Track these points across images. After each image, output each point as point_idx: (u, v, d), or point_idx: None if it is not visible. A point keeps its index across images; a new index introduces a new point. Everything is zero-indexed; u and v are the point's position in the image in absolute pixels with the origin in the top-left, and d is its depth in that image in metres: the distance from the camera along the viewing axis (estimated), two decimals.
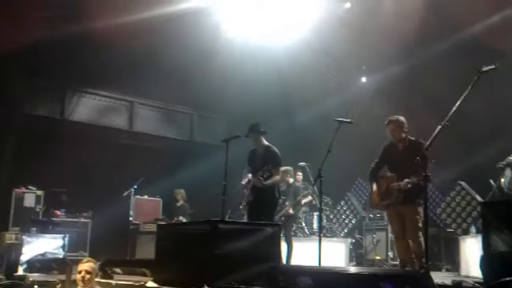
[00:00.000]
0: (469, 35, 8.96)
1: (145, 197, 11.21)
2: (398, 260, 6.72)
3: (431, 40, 9.62)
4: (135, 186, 10.33)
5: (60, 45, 9.71)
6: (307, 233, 10.04)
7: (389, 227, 9.88)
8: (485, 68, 4.57)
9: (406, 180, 5.88)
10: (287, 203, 8.85)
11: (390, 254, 9.84)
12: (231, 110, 13.02)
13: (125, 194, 10.24)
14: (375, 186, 6.47)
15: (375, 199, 6.52)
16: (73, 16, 9.02)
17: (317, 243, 6.14)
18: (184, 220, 10.39)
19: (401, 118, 6.22)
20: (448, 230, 9.21)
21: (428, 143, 4.67)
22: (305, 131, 12.21)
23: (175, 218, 10.51)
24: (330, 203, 11.17)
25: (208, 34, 9.99)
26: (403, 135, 6.18)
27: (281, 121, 11.60)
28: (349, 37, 10.46)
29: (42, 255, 8.74)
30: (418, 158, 4.76)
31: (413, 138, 6.18)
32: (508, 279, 3.02)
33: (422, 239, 5.87)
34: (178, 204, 11.04)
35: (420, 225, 5.96)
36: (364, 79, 12.25)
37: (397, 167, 6.15)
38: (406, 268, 6.18)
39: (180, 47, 10.06)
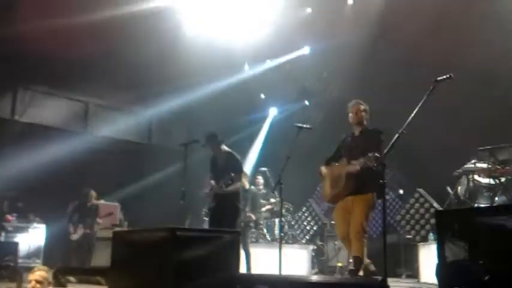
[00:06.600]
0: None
1: (102, 201, 10.89)
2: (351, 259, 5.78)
3: (387, 49, 9.75)
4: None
5: (11, 44, 9.37)
6: (269, 239, 9.99)
7: None
8: (440, 78, 4.61)
9: (354, 162, 5.32)
10: (247, 209, 8.78)
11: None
12: (191, 112, 12.85)
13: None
14: (324, 172, 5.88)
15: (325, 191, 5.94)
16: (24, 15, 8.73)
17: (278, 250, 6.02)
18: (100, 221, 9.85)
19: (366, 105, 5.92)
20: (407, 236, 9.30)
21: (385, 151, 4.67)
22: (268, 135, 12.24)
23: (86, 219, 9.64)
24: (291, 209, 11.14)
25: (169, 35, 9.86)
26: (363, 120, 5.84)
27: (243, 124, 11.55)
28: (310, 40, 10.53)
29: None
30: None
31: (371, 128, 5.83)
32: None
33: (364, 241, 5.37)
34: (89, 204, 10.03)
35: (365, 222, 5.38)
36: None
37: (351, 153, 5.56)
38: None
39: (139, 48, 9.89)
